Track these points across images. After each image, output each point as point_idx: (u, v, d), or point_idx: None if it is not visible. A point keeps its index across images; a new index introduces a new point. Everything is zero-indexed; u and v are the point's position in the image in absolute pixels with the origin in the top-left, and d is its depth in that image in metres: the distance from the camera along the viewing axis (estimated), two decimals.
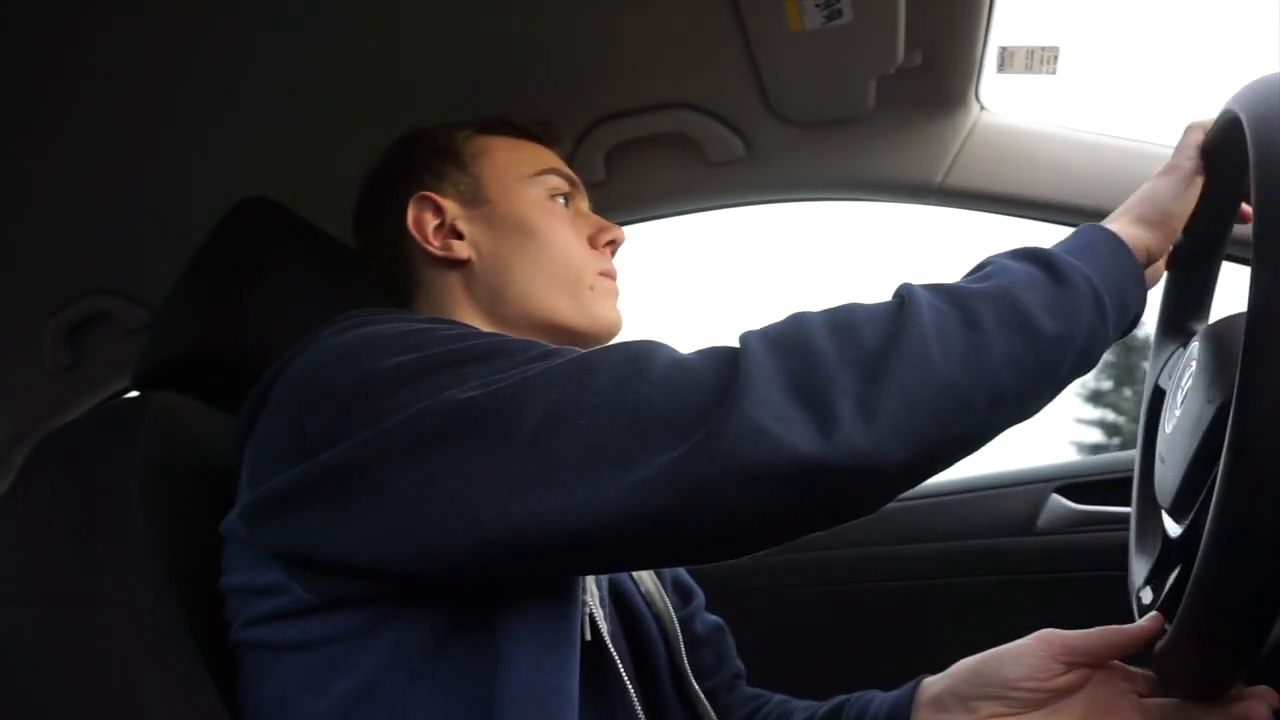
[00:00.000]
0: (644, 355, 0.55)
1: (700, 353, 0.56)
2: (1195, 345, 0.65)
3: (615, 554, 0.58)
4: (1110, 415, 10.86)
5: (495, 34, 0.99)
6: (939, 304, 0.56)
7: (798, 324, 0.56)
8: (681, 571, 0.89)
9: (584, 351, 0.57)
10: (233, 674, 0.64)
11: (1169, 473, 0.65)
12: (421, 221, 0.80)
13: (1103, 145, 1.06)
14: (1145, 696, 0.65)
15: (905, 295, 0.57)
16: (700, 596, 0.89)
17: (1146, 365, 0.80)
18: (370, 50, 1.00)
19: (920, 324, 0.54)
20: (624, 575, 0.78)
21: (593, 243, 0.82)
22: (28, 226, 1.19)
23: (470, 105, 0.88)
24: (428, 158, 0.83)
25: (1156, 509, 0.69)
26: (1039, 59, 1.01)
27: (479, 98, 0.89)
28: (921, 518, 1.23)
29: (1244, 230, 0.57)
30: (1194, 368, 0.63)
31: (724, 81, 1.06)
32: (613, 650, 0.66)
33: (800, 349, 0.53)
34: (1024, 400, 0.56)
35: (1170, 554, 0.65)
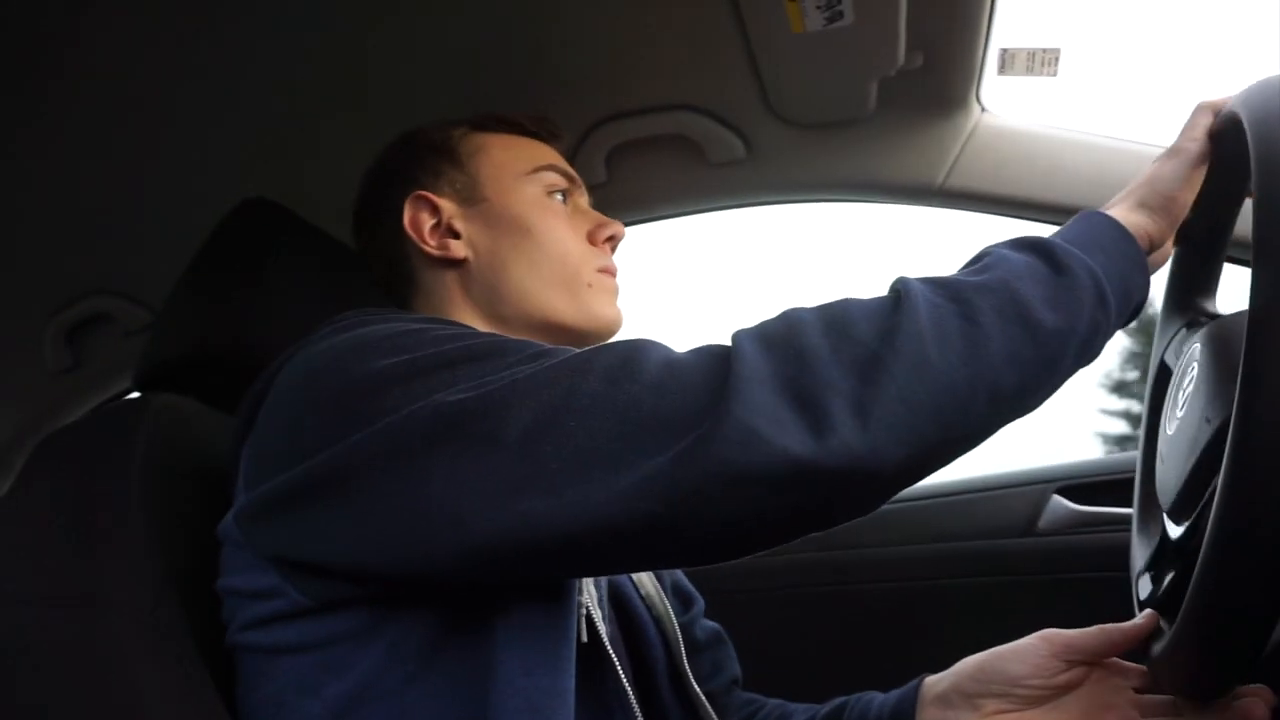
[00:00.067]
0: (635, 355, 0.54)
1: (693, 352, 0.55)
2: (1197, 346, 0.64)
3: (608, 557, 0.57)
4: (1135, 406, 10.82)
5: (496, 35, 0.99)
6: (935, 298, 0.55)
7: (790, 322, 0.55)
8: (682, 577, 0.89)
9: (576, 352, 0.56)
10: (232, 675, 0.64)
11: (1169, 476, 0.65)
12: (418, 221, 0.80)
13: (1104, 147, 1.06)
14: (1140, 691, 0.67)
15: (901, 290, 0.55)
16: (700, 603, 0.88)
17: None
18: (371, 51, 1.00)
19: (916, 320, 0.53)
20: (624, 577, 0.78)
21: (592, 239, 0.81)
22: (28, 226, 1.19)
23: (471, 106, 0.88)
24: (424, 156, 0.83)
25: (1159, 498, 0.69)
26: (1040, 61, 1.01)
27: (479, 99, 0.89)
28: (922, 518, 1.22)
29: (1244, 231, 0.57)
30: (1195, 372, 0.63)
31: (725, 83, 1.06)
32: (611, 652, 0.66)
33: (793, 348, 0.52)
34: (1024, 395, 0.55)
35: (1168, 554, 0.65)
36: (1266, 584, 0.48)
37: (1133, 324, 0.65)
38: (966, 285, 0.56)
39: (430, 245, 0.79)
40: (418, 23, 0.96)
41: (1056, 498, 1.19)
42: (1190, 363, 0.65)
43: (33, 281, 1.29)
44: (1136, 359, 10.43)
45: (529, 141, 0.85)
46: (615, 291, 0.82)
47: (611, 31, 1.00)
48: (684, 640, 0.80)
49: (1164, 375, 0.74)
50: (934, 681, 0.75)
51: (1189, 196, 0.66)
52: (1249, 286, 0.51)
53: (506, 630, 0.57)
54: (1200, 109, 0.67)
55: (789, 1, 0.89)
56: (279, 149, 1.09)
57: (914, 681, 0.77)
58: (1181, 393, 0.65)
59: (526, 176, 0.81)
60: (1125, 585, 0.73)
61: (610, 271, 0.82)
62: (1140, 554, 0.72)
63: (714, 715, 0.76)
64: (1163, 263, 0.70)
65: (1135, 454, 0.79)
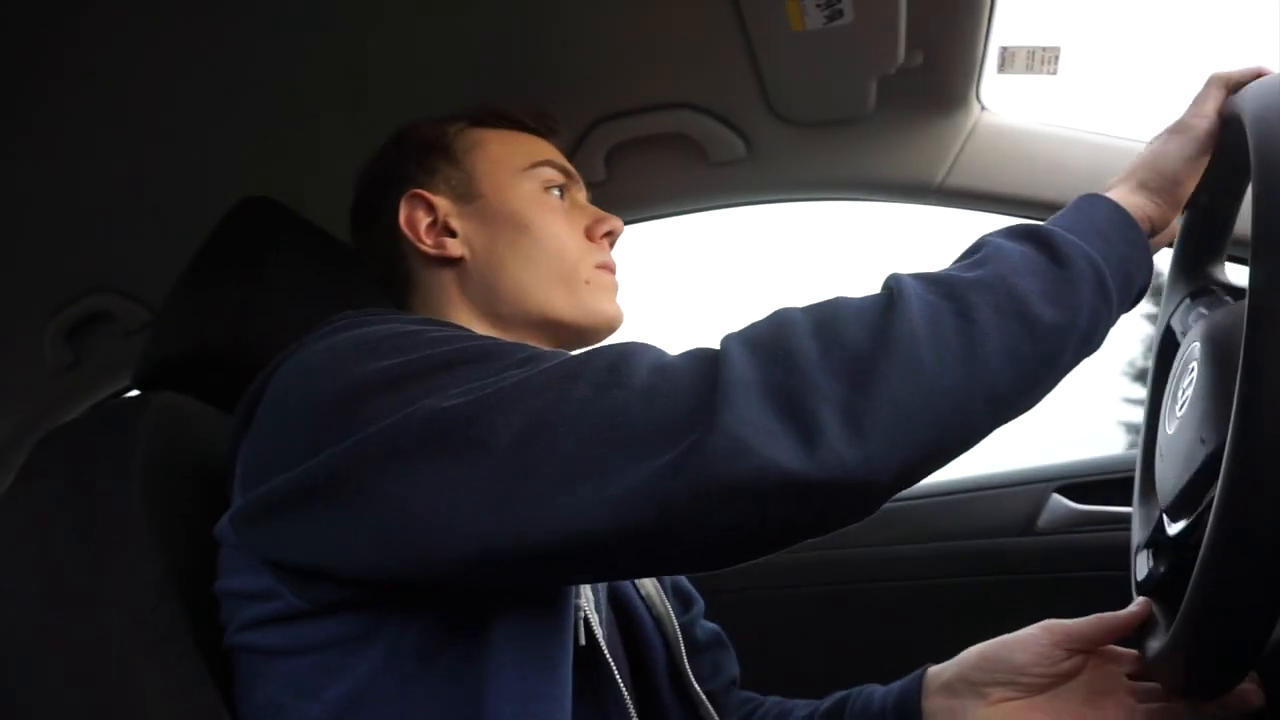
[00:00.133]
0: (625, 360, 0.53)
1: (683, 355, 0.54)
2: (1197, 345, 0.64)
3: (599, 565, 0.57)
4: None
5: (496, 34, 0.99)
6: (930, 296, 0.53)
7: (779, 324, 0.53)
8: (682, 578, 0.89)
9: (568, 356, 0.55)
10: (231, 675, 0.64)
11: (1166, 476, 0.65)
12: (414, 220, 0.80)
13: (1104, 145, 1.06)
14: (1133, 678, 0.69)
15: (894, 287, 0.54)
16: (700, 604, 0.88)
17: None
18: (370, 51, 1.00)
19: (910, 320, 0.51)
20: None
21: (589, 235, 0.81)
22: (28, 226, 1.19)
23: (471, 104, 0.88)
24: (419, 154, 0.82)
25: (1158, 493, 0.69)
26: (1040, 59, 1.01)
27: (479, 98, 0.88)
28: (922, 517, 1.22)
29: (1242, 230, 0.57)
30: (1195, 374, 0.62)
31: (725, 81, 1.06)
32: (608, 655, 0.65)
33: (782, 353, 0.51)
34: (1023, 394, 0.54)
35: (1165, 545, 0.66)
36: (1265, 585, 0.48)
37: (1140, 308, 0.63)
38: (961, 281, 0.54)
39: (426, 244, 0.79)
40: (418, 22, 0.96)
41: (1056, 496, 1.19)
42: (1190, 360, 0.64)
43: (33, 280, 1.29)
44: None
45: (526, 137, 0.84)
46: (614, 288, 0.81)
47: (611, 30, 1.00)
48: (684, 641, 0.80)
49: (1169, 342, 0.73)
50: (938, 671, 0.76)
51: (1193, 178, 0.63)
52: (1248, 288, 0.50)
53: (502, 634, 0.57)
54: (1212, 82, 0.64)
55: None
56: (279, 149, 1.09)
57: (916, 672, 0.77)
58: (1181, 391, 0.65)
59: (523, 172, 0.81)
60: (1125, 584, 0.74)
61: (609, 267, 0.81)
62: (1140, 531, 0.73)
63: (714, 715, 0.76)
64: (1166, 243, 0.68)
65: (1134, 453, 0.79)
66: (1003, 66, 1.02)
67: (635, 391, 0.51)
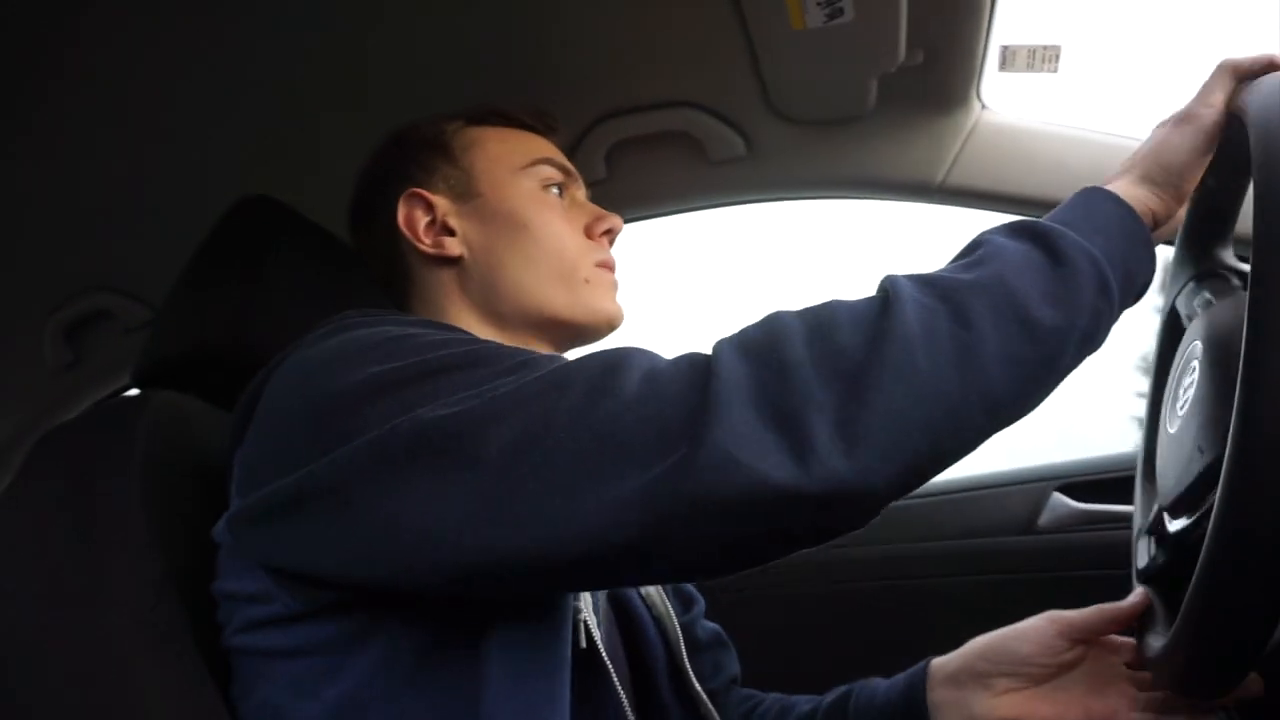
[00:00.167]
0: (615, 368, 0.52)
1: (674, 362, 0.53)
2: (1199, 345, 0.64)
3: (589, 579, 0.57)
4: None
5: (496, 33, 0.99)
6: (926, 300, 0.52)
7: (772, 329, 0.52)
8: None
9: (558, 363, 0.55)
10: (229, 676, 0.64)
11: (1166, 476, 0.65)
12: (412, 219, 0.79)
13: (1105, 144, 1.06)
14: (1131, 667, 0.71)
15: (889, 291, 0.53)
16: (701, 603, 0.88)
17: None
18: (370, 50, 1.00)
19: (905, 326, 0.50)
20: None
21: (589, 232, 0.80)
22: (28, 224, 1.19)
23: (472, 103, 0.88)
24: (417, 153, 0.82)
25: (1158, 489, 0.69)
26: (1041, 58, 1.00)
27: (480, 97, 0.88)
28: (922, 517, 1.22)
29: (1244, 229, 0.57)
30: (1195, 375, 0.62)
31: (725, 80, 1.06)
32: (605, 658, 0.65)
33: (775, 361, 0.50)
34: (1022, 398, 0.53)
35: (1165, 540, 0.66)
36: (1266, 585, 0.48)
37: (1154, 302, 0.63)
38: (958, 284, 0.53)
39: (425, 243, 0.79)
40: (418, 22, 0.96)
41: (1057, 495, 1.19)
42: (1192, 359, 0.64)
43: (33, 279, 1.29)
44: None
45: (525, 135, 0.84)
46: (614, 286, 0.81)
47: (612, 29, 1.00)
48: (685, 640, 0.80)
49: (1174, 324, 0.72)
50: (942, 663, 0.76)
51: (1198, 170, 0.62)
52: (1248, 292, 0.50)
53: (500, 637, 0.57)
54: (1221, 70, 0.62)
55: None
56: (279, 149, 1.09)
57: (920, 664, 0.78)
58: (1182, 390, 0.64)
59: (522, 170, 0.80)
60: (1126, 582, 0.74)
61: (608, 265, 0.81)
62: (1141, 516, 0.73)
63: (714, 714, 0.76)
64: (1169, 237, 0.66)
65: (1135, 452, 0.79)
66: (1003, 65, 1.02)
67: (626, 401, 0.50)
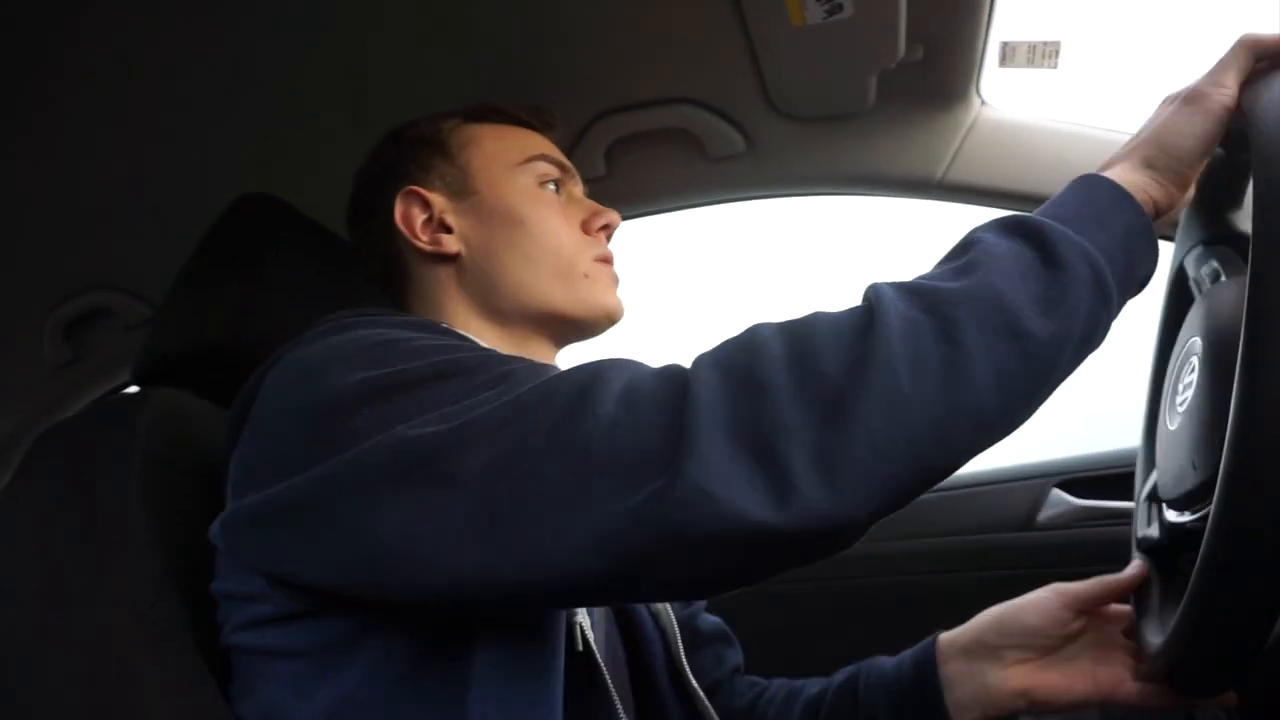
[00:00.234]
0: (593, 386, 0.51)
1: (653, 379, 0.51)
2: (1198, 341, 0.63)
3: (568, 602, 0.57)
4: None
5: (496, 31, 0.99)
6: (912, 313, 0.50)
7: (753, 348, 0.50)
8: None
9: (541, 379, 0.53)
10: (228, 674, 0.64)
11: (1164, 475, 0.65)
12: (409, 217, 0.79)
13: (1104, 140, 1.06)
14: (1127, 634, 0.72)
15: (873, 303, 0.51)
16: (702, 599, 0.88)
17: None
18: (370, 48, 1.00)
19: (889, 346, 0.48)
20: None
21: (586, 228, 0.80)
22: (28, 222, 1.19)
23: (471, 101, 0.88)
24: (414, 151, 0.82)
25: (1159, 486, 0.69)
26: (1041, 53, 1.00)
27: (480, 95, 0.88)
28: (921, 513, 1.22)
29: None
30: (1194, 376, 0.62)
31: (725, 76, 1.06)
32: (600, 660, 0.65)
33: (753, 384, 0.48)
34: (1014, 411, 0.51)
35: (1164, 528, 0.66)
36: (1265, 584, 0.48)
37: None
38: (946, 295, 0.51)
39: (422, 241, 0.79)
40: (418, 22, 0.96)
41: (1056, 491, 1.19)
42: (1191, 355, 0.64)
43: (32, 277, 1.29)
44: None
45: (522, 132, 0.84)
46: (615, 280, 0.81)
47: (612, 25, 0.99)
48: (688, 634, 0.80)
49: (1181, 286, 0.70)
50: (952, 637, 0.77)
51: (1204, 156, 0.57)
52: (1247, 293, 0.49)
53: (491, 641, 0.56)
54: (1240, 47, 0.58)
55: None
56: (279, 149, 1.09)
57: (927, 640, 0.79)
58: (1182, 386, 0.64)
59: (518, 167, 0.80)
60: None
61: (607, 260, 0.81)
62: (1141, 480, 0.74)
63: (712, 712, 0.76)
64: (1172, 224, 0.64)
65: (1135, 447, 0.79)
66: (1003, 61, 1.02)
67: (601, 423, 0.49)
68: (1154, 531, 0.69)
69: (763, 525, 0.46)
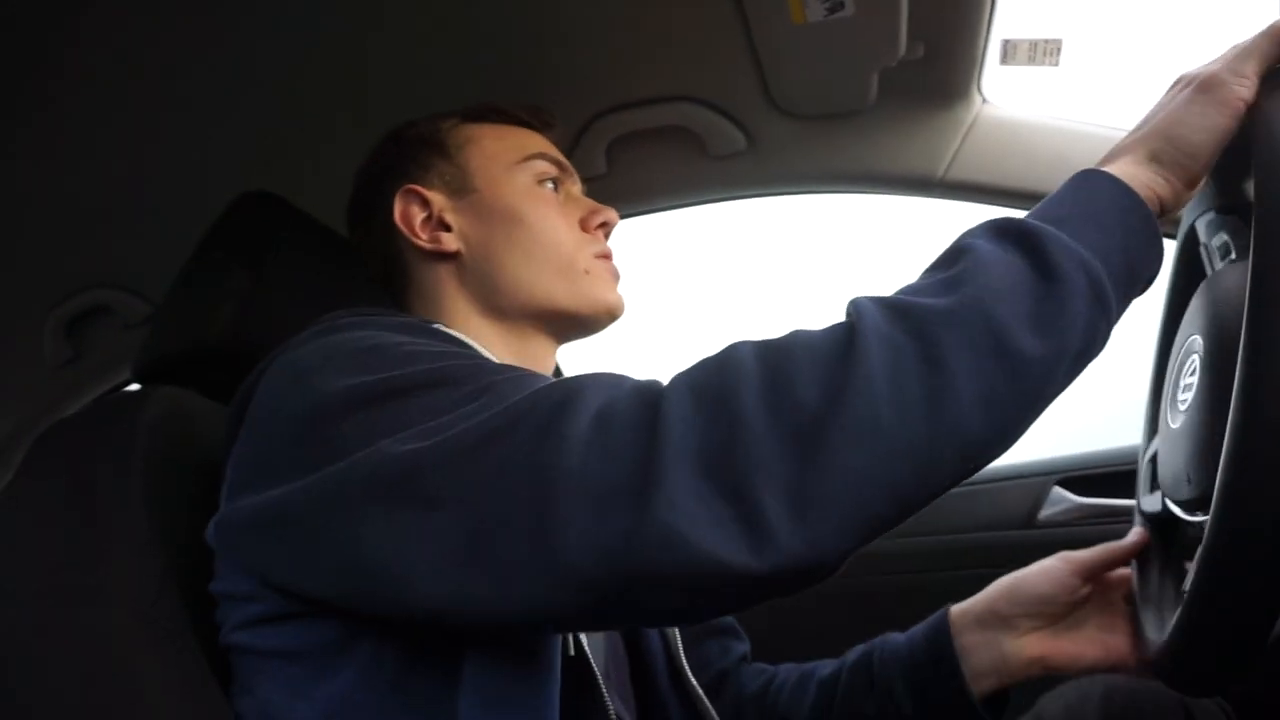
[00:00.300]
0: (569, 408, 0.49)
1: (628, 402, 0.49)
2: (1198, 340, 0.63)
3: (540, 630, 0.56)
4: None
5: (496, 29, 0.99)
6: (894, 334, 0.47)
7: (728, 372, 0.48)
8: None
9: (521, 394, 0.52)
10: (227, 673, 0.64)
11: (1165, 472, 0.65)
12: (408, 215, 0.80)
13: (1106, 138, 1.05)
14: (1128, 600, 0.74)
15: (854, 323, 0.48)
16: None
17: None
18: (371, 47, 1.00)
19: (868, 371, 0.46)
20: None
21: (584, 226, 0.81)
22: (28, 222, 1.19)
23: (472, 100, 0.88)
24: (413, 150, 0.82)
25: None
26: (1042, 51, 1.00)
27: (480, 95, 0.89)
28: (922, 511, 1.22)
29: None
30: (1195, 375, 0.61)
31: (725, 74, 1.05)
32: (594, 664, 0.64)
33: (727, 413, 0.46)
34: (1002, 437, 0.48)
35: (1167, 506, 0.67)
36: (1266, 582, 0.48)
37: None
38: (931, 314, 0.48)
39: (422, 239, 0.79)
40: (418, 22, 0.96)
41: (1057, 489, 1.19)
42: (1192, 353, 0.64)
43: (33, 275, 1.29)
44: None
45: (520, 131, 0.84)
46: (615, 276, 0.81)
47: (612, 23, 0.99)
48: (694, 628, 0.79)
49: (1191, 251, 0.67)
50: (964, 609, 0.78)
51: (1215, 151, 0.53)
52: (1247, 295, 0.49)
53: (481, 646, 0.56)
54: (1266, 37, 0.54)
55: None
56: (279, 149, 1.09)
57: (937, 614, 0.80)
58: (1183, 385, 0.64)
59: (517, 166, 0.81)
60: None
61: (607, 256, 0.81)
62: (1145, 440, 0.75)
63: (712, 711, 0.76)
64: (1175, 219, 0.60)
65: (1136, 445, 0.79)
66: (1004, 59, 1.02)
67: (574, 449, 0.47)
68: (1155, 500, 0.69)
69: (732, 567, 0.45)
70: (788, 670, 0.86)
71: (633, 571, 0.46)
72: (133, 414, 0.70)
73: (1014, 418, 0.48)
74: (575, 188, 0.85)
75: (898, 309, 0.49)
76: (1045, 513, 1.18)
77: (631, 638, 0.76)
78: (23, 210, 1.16)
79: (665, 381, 0.51)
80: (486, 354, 0.69)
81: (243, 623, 0.61)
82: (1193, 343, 0.64)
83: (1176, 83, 0.57)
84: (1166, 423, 0.67)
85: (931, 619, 0.80)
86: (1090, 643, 0.73)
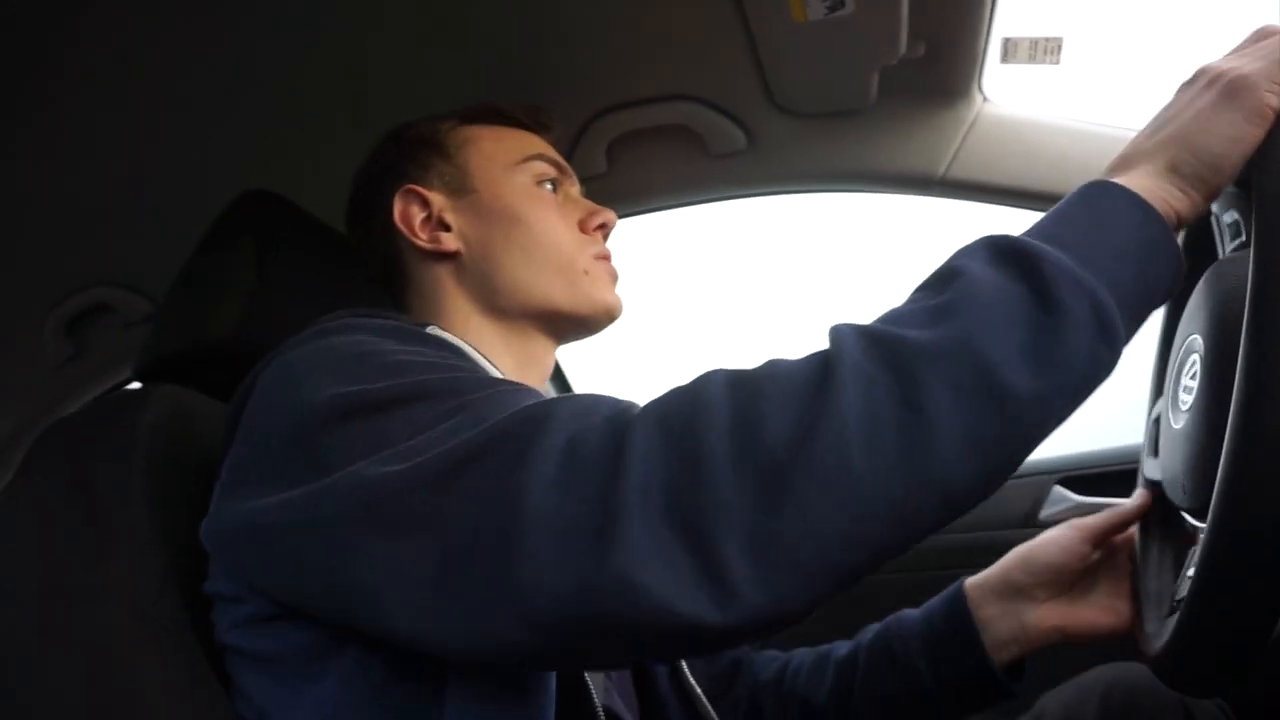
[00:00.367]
0: (539, 436, 0.47)
1: (597, 438, 0.47)
2: (1197, 338, 0.63)
3: (510, 666, 0.55)
4: None
5: (496, 29, 0.99)
6: (872, 370, 0.44)
7: (699, 406, 0.46)
8: None
9: (497, 417, 0.50)
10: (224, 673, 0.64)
11: (1165, 470, 0.65)
12: (408, 215, 0.80)
13: (1107, 136, 1.06)
14: (1131, 560, 0.74)
15: (830, 358, 0.45)
16: None
17: None
18: (371, 47, 1.00)
19: (841, 412, 0.43)
20: None
21: (583, 227, 0.81)
22: (28, 221, 1.19)
23: (472, 99, 0.88)
24: (413, 150, 0.82)
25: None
26: (1042, 49, 1.00)
27: (480, 94, 0.89)
28: None
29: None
30: (1195, 379, 0.61)
31: (726, 73, 1.05)
32: (586, 675, 0.64)
33: (691, 451, 0.44)
34: (991, 482, 0.45)
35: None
36: (1266, 583, 0.48)
37: None
38: (913, 349, 0.44)
39: (421, 239, 0.79)
40: (418, 18, 0.96)
41: (1058, 488, 1.19)
42: (1192, 352, 0.64)
43: (33, 274, 1.29)
44: None
45: (519, 132, 0.84)
46: (614, 277, 0.82)
47: (612, 22, 0.99)
48: None
49: (1202, 216, 0.63)
50: (980, 581, 0.79)
51: (1239, 162, 0.48)
52: (1249, 288, 0.48)
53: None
54: None
55: None
56: (279, 149, 1.09)
57: (952, 588, 0.80)
58: (1183, 386, 0.64)
59: (515, 166, 0.81)
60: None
61: (606, 257, 0.81)
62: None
63: (711, 710, 0.76)
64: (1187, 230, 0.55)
65: (1137, 444, 0.79)
66: (1005, 57, 1.02)
67: (540, 481, 0.46)
68: (1157, 466, 0.69)
69: (689, 621, 0.42)
70: (802, 654, 0.86)
71: (590, 618, 0.44)
72: (133, 413, 0.70)
73: (1004, 461, 0.45)
74: (574, 189, 0.85)
75: (879, 340, 0.46)
76: (1045, 512, 1.18)
77: None
78: (23, 210, 1.16)
79: (640, 407, 0.49)
80: (480, 358, 0.69)
81: (234, 623, 0.61)
82: (1193, 342, 0.64)
83: (1198, 78, 0.52)
84: (1169, 420, 0.67)
85: (946, 594, 0.80)
86: (1104, 611, 0.74)
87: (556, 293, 0.78)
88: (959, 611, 0.78)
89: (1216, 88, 0.50)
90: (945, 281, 0.48)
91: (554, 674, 0.57)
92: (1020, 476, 1.22)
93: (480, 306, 0.79)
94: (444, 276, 0.79)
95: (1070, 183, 0.64)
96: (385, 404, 0.54)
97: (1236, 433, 0.47)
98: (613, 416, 0.48)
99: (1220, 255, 0.63)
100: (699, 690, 0.76)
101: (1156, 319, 0.77)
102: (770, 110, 1.10)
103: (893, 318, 0.48)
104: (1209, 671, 0.56)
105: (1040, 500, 1.19)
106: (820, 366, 0.45)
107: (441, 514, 0.48)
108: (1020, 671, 0.78)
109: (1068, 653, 0.78)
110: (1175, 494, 0.60)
